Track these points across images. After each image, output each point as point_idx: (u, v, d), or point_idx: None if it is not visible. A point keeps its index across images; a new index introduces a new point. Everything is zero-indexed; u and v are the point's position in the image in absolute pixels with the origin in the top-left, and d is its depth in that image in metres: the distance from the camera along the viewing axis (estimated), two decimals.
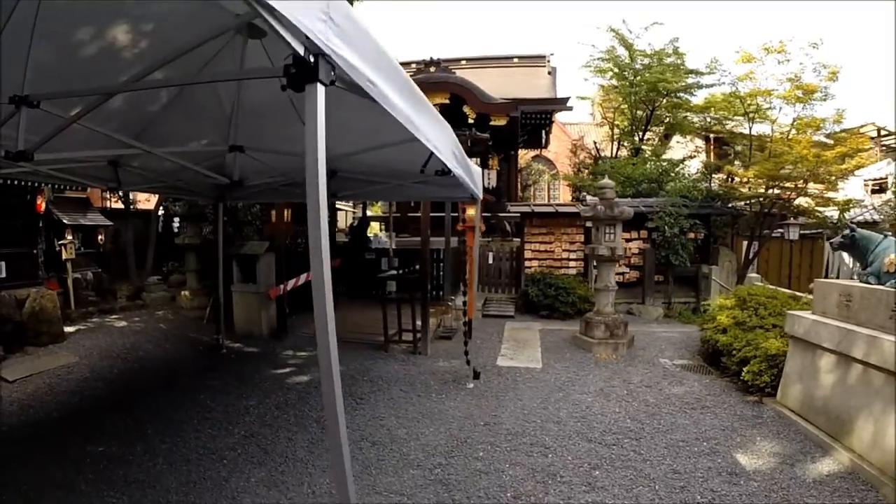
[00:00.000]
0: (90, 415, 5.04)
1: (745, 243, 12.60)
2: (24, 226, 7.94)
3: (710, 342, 6.87)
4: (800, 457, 4.23)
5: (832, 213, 12.10)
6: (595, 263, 10.97)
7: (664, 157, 14.89)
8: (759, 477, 3.89)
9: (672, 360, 7.23)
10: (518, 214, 11.65)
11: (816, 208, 11.93)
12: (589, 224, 11.58)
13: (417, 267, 7.59)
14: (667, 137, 16.86)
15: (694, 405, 5.40)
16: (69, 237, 9.11)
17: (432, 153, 4.02)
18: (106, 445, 4.35)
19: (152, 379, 6.15)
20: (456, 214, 13.72)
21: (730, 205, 12.48)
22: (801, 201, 11.75)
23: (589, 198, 11.98)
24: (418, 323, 7.71)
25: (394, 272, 7.69)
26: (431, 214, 14.43)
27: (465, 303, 7.02)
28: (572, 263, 11.79)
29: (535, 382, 6.15)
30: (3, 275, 7.36)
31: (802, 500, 3.59)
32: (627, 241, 11.50)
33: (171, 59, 2.65)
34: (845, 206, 11.53)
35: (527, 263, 11.73)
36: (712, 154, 16.88)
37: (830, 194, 11.83)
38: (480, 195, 5.99)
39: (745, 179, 11.93)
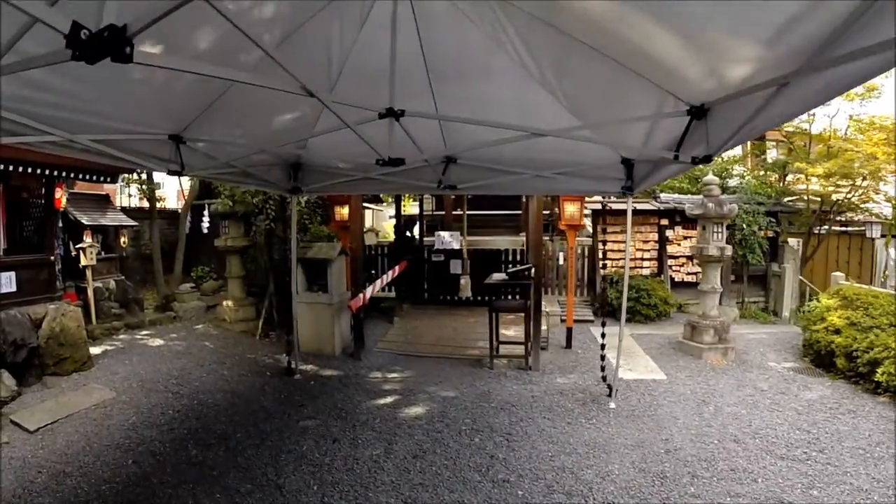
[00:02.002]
0: (157, 486, 3.36)
1: (790, 240, 11.68)
2: (39, 226, 6.21)
3: (818, 343, 6.30)
4: None
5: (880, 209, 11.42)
6: (667, 263, 10.30)
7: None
8: None
9: (779, 363, 6.53)
10: (589, 212, 10.20)
11: (865, 205, 11.17)
12: (664, 222, 10.34)
13: (530, 271, 6.03)
14: None
15: (839, 409, 4.96)
16: (88, 240, 7.37)
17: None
18: None
19: (225, 422, 4.43)
20: (515, 212, 12.42)
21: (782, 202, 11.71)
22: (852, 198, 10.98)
23: (663, 195, 10.73)
24: (505, 333, 6.23)
25: (504, 276, 6.11)
26: (489, 212, 12.88)
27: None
28: (646, 263, 10.40)
29: (674, 396, 5.25)
30: (14, 288, 5.62)
31: None
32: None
33: None
34: None
35: (600, 263, 10.27)
36: (749, 152, 15.78)
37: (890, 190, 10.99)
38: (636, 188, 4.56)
39: (802, 177, 11.19)
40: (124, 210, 9.83)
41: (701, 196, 8.05)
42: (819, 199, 10.93)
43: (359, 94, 3.25)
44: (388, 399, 5.01)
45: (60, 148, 3.21)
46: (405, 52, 2.99)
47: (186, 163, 3.79)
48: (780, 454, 3.99)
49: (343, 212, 7.15)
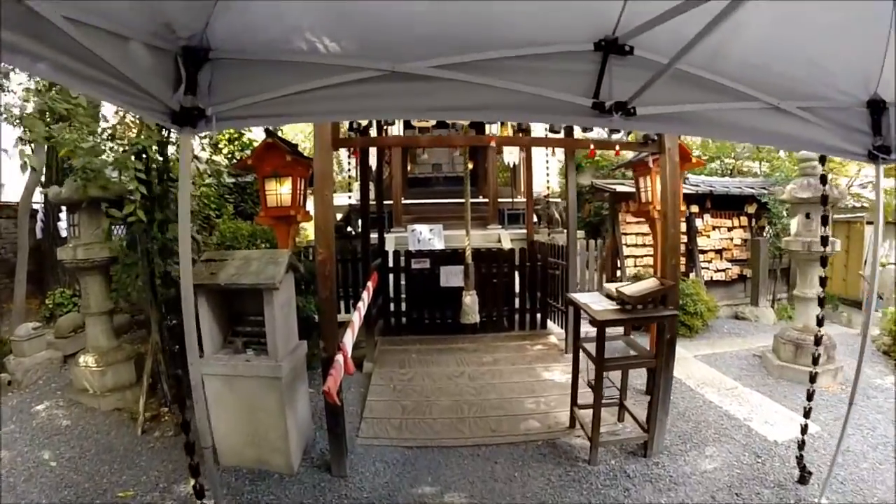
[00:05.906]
0: None
1: None
2: None
3: None
4: None
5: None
6: (699, 259, 8.02)
7: None
8: None
9: (879, 377, 5.10)
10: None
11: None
12: (694, 209, 8.11)
13: (665, 293, 3.19)
14: None
15: None
16: None
17: None
18: None
19: None
20: (478, 201, 9.50)
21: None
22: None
23: (692, 177, 8.50)
24: (545, 375, 3.62)
25: (608, 302, 3.21)
26: (440, 201, 9.56)
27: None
28: None
29: (864, 462, 3.34)
30: None
31: None
32: (729, 229, 8.41)
33: None
34: None
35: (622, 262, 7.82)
36: None
37: None
38: None
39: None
40: None
41: (801, 177, 5.62)
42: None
43: None
44: None
45: None
46: None
47: None
48: None
49: (280, 190, 3.95)
